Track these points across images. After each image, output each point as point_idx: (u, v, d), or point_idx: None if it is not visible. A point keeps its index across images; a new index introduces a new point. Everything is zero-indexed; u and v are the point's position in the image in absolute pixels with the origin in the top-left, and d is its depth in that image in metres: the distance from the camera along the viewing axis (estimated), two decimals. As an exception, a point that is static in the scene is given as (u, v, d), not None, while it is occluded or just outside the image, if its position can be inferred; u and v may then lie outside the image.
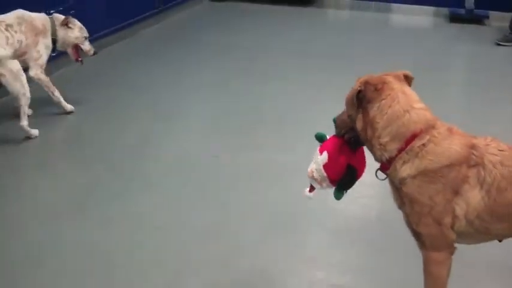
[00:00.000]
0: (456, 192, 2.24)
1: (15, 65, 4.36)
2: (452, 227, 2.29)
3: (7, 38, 4.41)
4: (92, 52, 5.06)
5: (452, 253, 2.38)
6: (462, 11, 8.22)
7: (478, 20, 8.13)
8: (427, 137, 2.28)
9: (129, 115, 5.07)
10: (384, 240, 3.33)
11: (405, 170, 2.29)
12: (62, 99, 4.87)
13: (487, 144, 2.29)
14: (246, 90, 5.61)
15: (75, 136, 4.78)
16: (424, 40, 7.59)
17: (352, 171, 2.58)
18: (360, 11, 9.04)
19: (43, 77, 4.73)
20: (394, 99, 2.33)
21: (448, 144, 2.27)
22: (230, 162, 4.26)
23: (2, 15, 4.61)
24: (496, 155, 2.26)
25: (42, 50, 4.72)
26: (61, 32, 4.86)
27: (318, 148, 2.65)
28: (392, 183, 2.39)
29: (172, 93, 5.49)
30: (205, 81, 5.86)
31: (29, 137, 4.44)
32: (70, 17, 4.97)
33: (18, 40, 4.50)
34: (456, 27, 8.02)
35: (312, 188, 2.70)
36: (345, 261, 3.24)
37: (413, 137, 2.28)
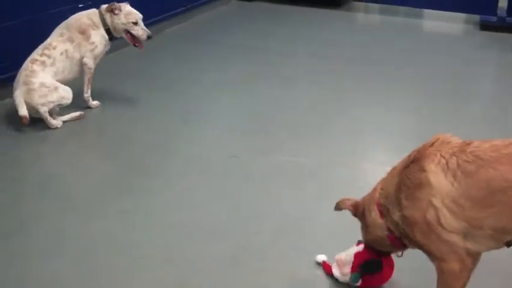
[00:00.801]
0: (420, 184, 2.41)
1: None
2: (440, 224, 2.37)
3: (44, 63, 4.65)
4: (144, 36, 4.97)
5: (468, 266, 2.40)
6: (494, 19, 8.08)
7: (510, 28, 7.95)
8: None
9: (151, 112, 5.08)
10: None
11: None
12: (90, 97, 5.00)
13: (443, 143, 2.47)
14: (267, 93, 5.57)
15: (97, 130, 4.81)
16: (453, 47, 7.47)
17: (379, 262, 2.84)
18: (389, 16, 8.96)
19: (91, 65, 4.88)
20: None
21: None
22: (247, 163, 4.24)
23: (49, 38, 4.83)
24: (457, 146, 2.43)
25: (97, 41, 4.87)
26: (109, 20, 4.92)
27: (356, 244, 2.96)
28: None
29: (193, 92, 5.48)
30: (228, 82, 5.85)
31: (89, 107, 4.91)
32: (115, 3, 4.97)
33: (61, 53, 4.73)
34: (487, 35, 7.89)
35: (327, 267, 3.02)
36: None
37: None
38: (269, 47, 7.02)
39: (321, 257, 3.11)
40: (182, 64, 6.27)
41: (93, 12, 4.97)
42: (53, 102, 4.55)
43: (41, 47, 4.77)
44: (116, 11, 4.90)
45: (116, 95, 5.25)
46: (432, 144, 2.48)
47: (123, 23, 4.92)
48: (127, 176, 4.04)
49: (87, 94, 4.96)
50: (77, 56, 4.83)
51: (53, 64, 4.69)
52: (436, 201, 2.37)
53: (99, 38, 4.89)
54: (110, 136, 4.70)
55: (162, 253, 3.23)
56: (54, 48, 4.75)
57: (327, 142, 4.56)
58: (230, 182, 3.97)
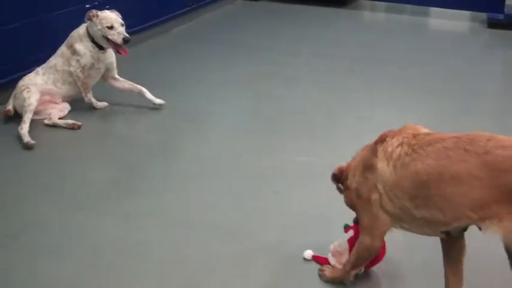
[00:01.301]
0: (371, 166, 2.61)
1: None
2: (381, 205, 2.58)
3: (37, 72, 4.90)
4: (119, 40, 4.83)
5: (380, 244, 2.74)
6: (501, 16, 8.04)
7: (518, 26, 7.93)
8: None
9: (155, 112, 5.08)
10: (409, 249, 3.25)
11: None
12: (93, 100, 5.03)
13: (402, 131, 2.62)
14: (272, 92, 5.57)
15: (101, 130, 4.82)
16: (460, 45, 7.45)
17: None
18: (395, 14, 8.94)
19: (78, 74, 4.90)
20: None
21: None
22: (253, 162, 4.24)
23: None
24: (407, 137, 2.56)
25: (82, 52, 4.89)
26: (90, 30, 4.92)
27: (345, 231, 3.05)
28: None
29: (198, 92, 5.48)
30: (232, 81, 5.85)
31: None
32: (92, 10, 4.94)
33: (50, 66, 4.91)
34: (494, 32, 7.87)
35: (322, 260, 3.07)
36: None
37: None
38: (274, 46, 7.03)
39: (308, 253, 3.13)
40: (187, 63, 6.28)
41: (81, 26, 5.00)
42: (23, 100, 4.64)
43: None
44: (93, 18, 4.88)
45: (120, 95, 5.25)
46: (394, 132, 2.65)
47: (99, 29, 4.88)
48: (132, 177, 4.05)
49: (87, 98, 4.99)
50: (67, 68, 4.91)
51: (44, 74, 4.87)
52: (379, 186, 2.58)
53: (83, 49, 4.91)
54: (114, 137, 4.72)
55: (170, 254, 3.23)
56: (49, 62, 4.95)
57: (331, 141, 4.56)
58: (236, 182, 3.97)
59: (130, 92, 5.17)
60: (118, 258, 3.16)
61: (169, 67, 6.12)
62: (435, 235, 2.60)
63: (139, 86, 5.19)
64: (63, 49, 4.95)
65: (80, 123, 4.69)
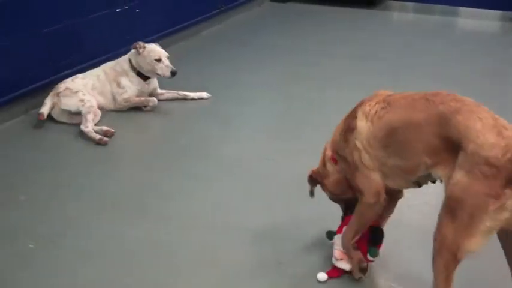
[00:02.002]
0: (352, 129, 2.79)
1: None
2: (362, 163, 2.75)
3: (76, 76, 5.10)
4: (168, 73, 4.98)
5: (381, 201, 2.81)
6: (532, 16, 7.96)
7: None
8: None
9: (185, 114, 5.14)
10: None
11: None
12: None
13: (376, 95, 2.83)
14: (302, 94, 5.56)
15: (132, 133, 4.85)
16: (490, 45, 7.35)
17: (377, 228, 3.03)
18: (424, 14, 8.87)
19: (123, 104, 5.11)
20: None
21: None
22: (285, 165, 4.23)
23: None
24: (383, 97, 2.77)
25: (126, 86, 5.08)
26: (134, 61, 5.06)
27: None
28: None
29: (229, 94, 5.51)
30: (262, 83, 5.86)
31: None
32: (139, 42, 5.04)
33: (92, 74, 5.13)
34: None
35: (335, 273, 3.05)
36: (403, 274, 3.17)
37: None
38: (304, 48, 7.02)
39: (322, 276, 3.04)
40: (217, 65, 6.32)
41: (123, 59, 5.13)
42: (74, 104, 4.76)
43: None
44: (140, 50, 4.97)
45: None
46: (370, 97, 2.84)
47: (147, 62, 4.98)
48: (164, 179, 4.08)
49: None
50: (107, 86, 5.07)
51: (84, 78, 5.01)
52: (358, 143, 2.76)
53: (128, 84, 5.06)
54: (145, 139, 4.76)
55: (200, 256, 3.24)
56: (89, 72, 5.13)
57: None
58: (267, 185, 3.97)
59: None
60: (154, 261, 3.19)
61: (200, 69, 6.15)
62: (408, 186, 2.80)
63: (181, 92, 5.30)
64: (106, 76, 5.08)
65: (112, 131, 4.70)
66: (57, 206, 3.74)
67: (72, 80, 4.96)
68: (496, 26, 8.44)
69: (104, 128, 4.73)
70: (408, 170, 2.66)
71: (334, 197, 3.20)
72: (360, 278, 3.02)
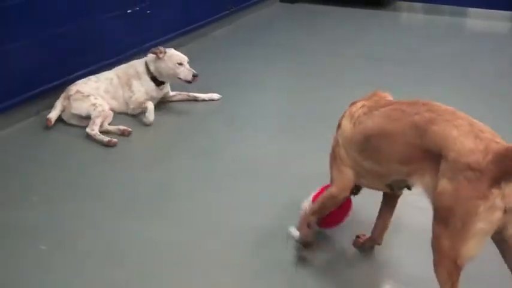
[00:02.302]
0: (339, 125, 3.00)
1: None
2: (340, 157, 2.94)
3: (89, 79, 5.06)
4: (190, 77, 4.98)
5: (344, 195, 3.00)
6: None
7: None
8: None
9: (197, 114, 5.14)
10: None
11: None
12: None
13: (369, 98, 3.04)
14: (312, 95, 5.56)
15: (145, 134, 4.84)
16: (500, 46, 7.34)
17: None
18: (433, 15, 8.86)
19: (134, 108, 5.05)
20: None
21: None
22: (296, 166, 4.23)
23: None
24: (370, 101, 2.95)
25: (136, 90, 5.05)
26: (153, 66, 5.04)
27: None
28: None
29: (239, 95, 5.52)
30: (274, 83, 5.88)
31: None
32: (159, 47, 5.03)
33: (106, 78, 5.08)
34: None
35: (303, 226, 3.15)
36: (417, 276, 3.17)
37: None
38: (314, 48, 7.03)
39: (294, 230, 3.21)
40: (227, 66, 6.33)
41: (139, 62, 5.13)
42: (85, 109, 4.74)
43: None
44: (160, 55, 4.97)
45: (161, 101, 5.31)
46: (364, 97, 3.04)
47: (169, 67, 4.98)
48: (178, 180, 4.09)
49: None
50: (120, 90, 5.06)
51: (97, 81, 4.99)
52: (341, 140, 2.95)
53: (139, 87, 5.04)
54: (157, 140, 4.76)
55: (217, 258, 3.25)
56: (104, 74, 5.10)
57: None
58: (282, 185, 3.97)
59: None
60: (170, 263, 3.20)
61: (210, 70, 6.16)
62: (383, 189, 2.96)
63: (191, 93, 5.32)
64: (119, 77, 5.07)
65: (130, 130, 4.74)
66: (70, 207, 3.75)
67: (84, 83, 4.95)
68: (506, 27, 8.40)
69: (121, 127, 4.75)
70: (381, 175, 2.81)
71: None
72: (303, 253, 3.20)
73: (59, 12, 5.08)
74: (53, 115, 4.78)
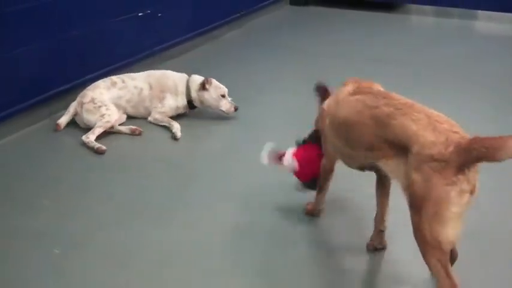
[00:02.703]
0: (323, 108, 3.29)
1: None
2: (327, 136, 3.22)
3: (115, 83, 4.94)
4: (232, 109, 4.99)
5: (331, 168, 3.38)
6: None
7: None
8: None
9: (209, 118, 5.14)
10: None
11: None
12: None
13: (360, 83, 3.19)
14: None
15: (157, 138, 4.84)
16: (510, 49, 7.33)
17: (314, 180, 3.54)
18: (444, 18, 8.86)
19: (158, 117, 4.99)
20: None
21: None
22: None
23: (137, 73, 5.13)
24: (354, 87, 3.12)
25: (167, 105, 5.00)
26: (195, 95, 5.01)
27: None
28: None
29: (250, 98, 5.50)
30: (284, 87, 5.87)
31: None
32: (208, 78, 5.01)
33: (135, 86, 4.97)
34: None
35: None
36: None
37: None
38: (324, 51, 7.03)
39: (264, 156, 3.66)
40: (238, 69, 6.33)
41: (180, 78, 5.08)
42: (95, 120, 4.68)
43: (124, 74, 5.07)
44: (207, 86, 4.97)
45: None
46: (355, 80, 3.22)
47: (213, 98, 4.98)
48: (192, 187, 4.08)
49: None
50: (147, 102, 4.99)
51: (122, 89, 4.92)
52: (327, 121, 3.20)
53: (171, 103, 5.00)
54: (169, 145, 4.73)
55: (231, 264, 3.25)
56: (133, 79, 4.99)
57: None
58: (294, 188, 3.88)
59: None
60: (181, 269, 3.20)
61: (221, 72, 6.14)
62: (357, 169, 3.18)
63: None
64: (154, 85, 5.00)
65: (141, 129, 4.77)
66: (81, 211, 3.75)
67: (105, 89, 4.84)
68: (516, 30, 8.40)
69: (132, 126, 4.77)
70: (354, 157, 3.08)
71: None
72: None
73: (71, 15, 5.10)
74: (63, 120, 4.77)
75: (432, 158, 2.52)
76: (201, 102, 5.03)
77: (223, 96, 5.00)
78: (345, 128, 3.03)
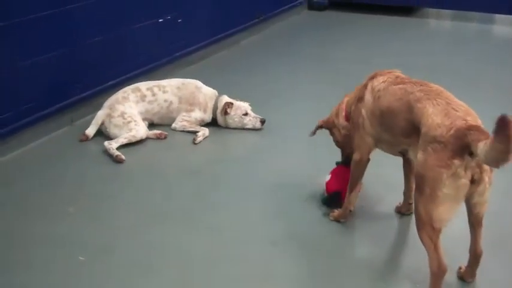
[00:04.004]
0: (362, 98, 3.30)
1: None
2: (363, 127, 3.28)
3: (144, 97, 4.92)
4: (258, 124, 5.01)
5: (365, 160, 3.42)
6: None
7: None
8: None
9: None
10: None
11: None
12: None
13: (390, 72, 3.33)
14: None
15: (184, 145, 4.85)
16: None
17: (337, 194, 3.69)
18: (462, 22, 8.81)
19: (186, 125, 5.00)
20: None
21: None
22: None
23: (166, 81, 5.12)
24: (390, 77, 3.23)
25: (193, 118, 5.01)
26: (221, 118, 5.04)
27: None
28: None
29: (269, 104, 5.50)
30: (302, 93, 5.87)
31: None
32: (229, 103, 5.00)
33: (165, 100, 4.97)
34: None
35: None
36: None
37: None
38: (342, 56, 7.02)
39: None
40: (256, 74, 6.35)
41: (212, 95, 5.09)
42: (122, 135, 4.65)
43: (154, 82, 5.03)
44: (228, 110, 4.99)
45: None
46: (383, 72, 3.32)
47: (235, 120, 5.01)
48: (213, 190, 4.10)
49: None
50: (174, 114, 5.01)
51: (151, 103, 4.92)
52: (364, 112, 3.28)
53: (198, 115, 5.02)
54: (197, 152, 4.73)
55: (255, 270, 3.24)
56: (164, 92, 4.98)
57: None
58: (315, 195, 3.93)
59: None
60: (207, 275, 3.20)
61: (240, 78, 6.17)
62: (396, 155, 3.34)
63: None
64: (184, 97, 5.00)
65: (166, 133, 4.81)
66: (106, 217, 3.76)
67: (134, 102, 4.83)
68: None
69: (157, 131, 4.79)
70: (393, 144, 3.19)
71: (338, 145, 3.82)
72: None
73: (91, 22, 5.13)
74: (91, 131, 4.75)
75: (435, 140, 2.67)
76: (227, 124, 5.05)
77: (245, 114, 5.01)
78: (387, 117, 3.12)
